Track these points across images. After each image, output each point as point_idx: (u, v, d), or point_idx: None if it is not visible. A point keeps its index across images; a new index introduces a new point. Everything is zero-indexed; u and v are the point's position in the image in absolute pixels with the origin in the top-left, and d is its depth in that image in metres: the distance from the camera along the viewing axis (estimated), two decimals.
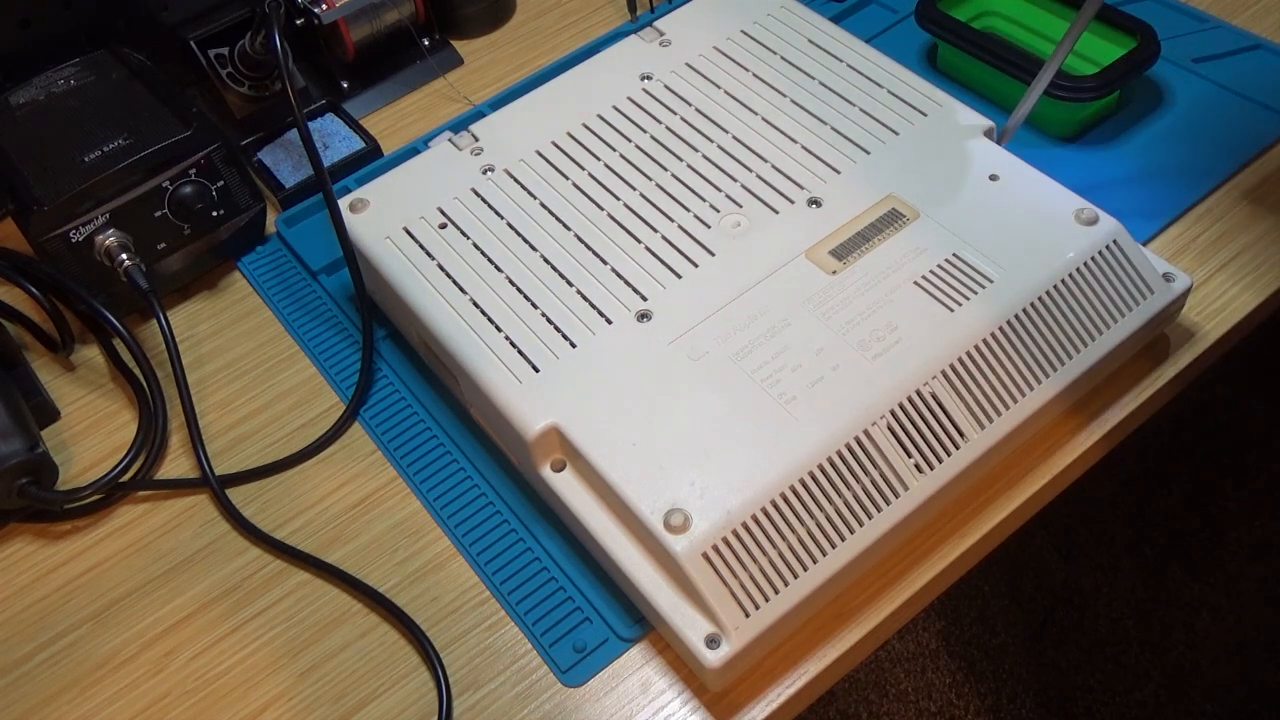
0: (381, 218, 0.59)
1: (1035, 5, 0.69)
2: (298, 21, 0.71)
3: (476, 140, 0.62)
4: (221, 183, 0.63)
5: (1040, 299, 0.52)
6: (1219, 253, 0.60)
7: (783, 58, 0.64)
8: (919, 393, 0.49)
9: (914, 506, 0.48)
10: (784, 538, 0.46)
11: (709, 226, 0.56)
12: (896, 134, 0.59)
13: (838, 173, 0.58)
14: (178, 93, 0.65)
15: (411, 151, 0.71)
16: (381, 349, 0.62)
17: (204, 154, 0.62)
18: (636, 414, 0.50)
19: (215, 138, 0.63)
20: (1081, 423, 0.54)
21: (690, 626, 0.46)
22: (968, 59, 0.67)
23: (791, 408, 0.49)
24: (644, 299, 0.54)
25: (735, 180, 0.58)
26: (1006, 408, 0.50)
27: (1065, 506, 1.29)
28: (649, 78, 0.64)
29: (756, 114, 0.61)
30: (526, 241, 0.57)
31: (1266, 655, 1.17)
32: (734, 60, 0.64)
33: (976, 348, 0.50)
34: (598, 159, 0.60)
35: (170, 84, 0.66)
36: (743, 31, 0.66)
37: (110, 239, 0.60)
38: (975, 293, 0.52)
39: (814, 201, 0.57)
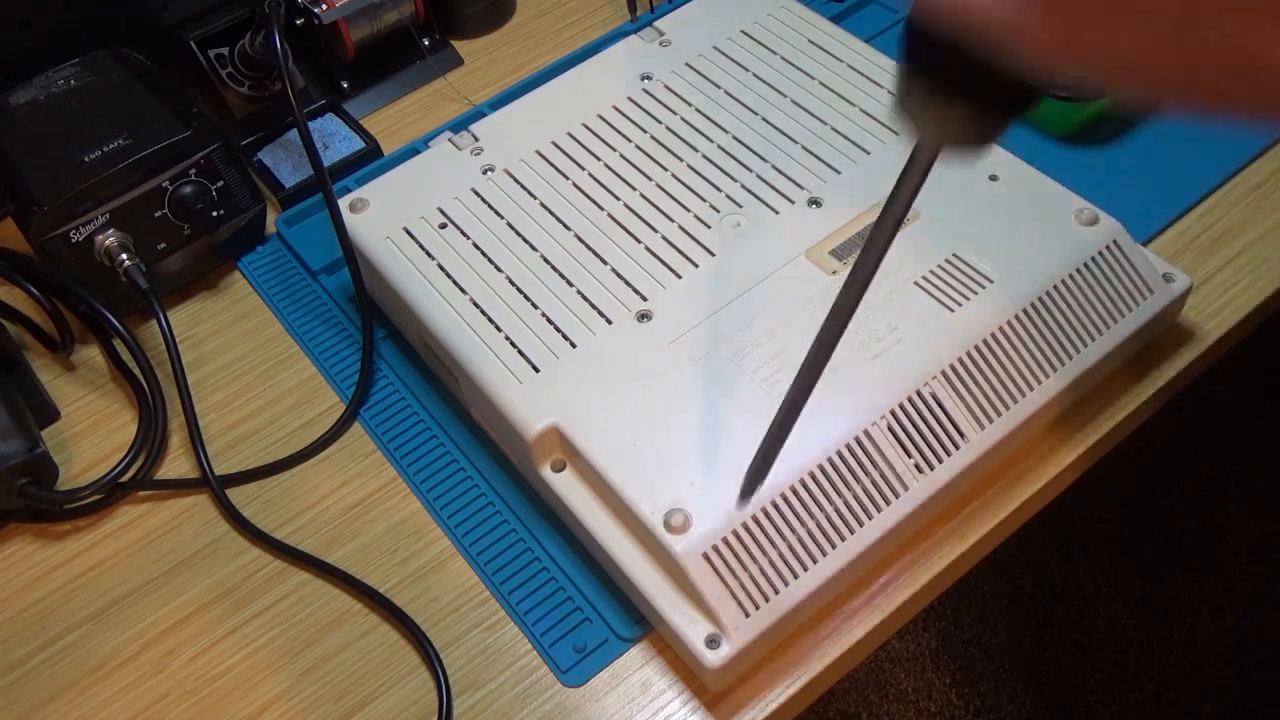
0: (381, 218, 0.59)
1: None
2: (298, 21, 0.71)
3: (476, 140, 0.62)
4: (221, 183, 0.63)
5: (1040, 299, 0.52)
6: (1219, 253, 0.60)
7: (783, 58, 0.64)
8: (919, 393, 0.49)
9: (914, 507, 0.48)
10: (784, 538, 0.46)
11: (709, 226, 0.56)
12: (897, 134, 0.59)
13: (838, 173, 0.58)
14: (178, 93, 0.65)
15: (411, 151, 0.71)
16: (381, 349, 0.61)
17: (204, 154, 0.62)
18: (637, 414, 0.49)
19: (215, 138, 0.62)
20: (1081, 423, 0.54)
21: (690, 627, 0.46)
22: None
23: None
24: (644, 299, 0.54)
25: (735, 180, 0.58)
26: (1006, 408, 0.50)
27: (1065, 506, 1.28)
28: (649, 78, 0.64)
29: (756, 114, 0.61)
30: (526, 241, 0.57)
31: (1266, 655, 1.17)
32: (734, 60, 0.64)
33: (976, 348, 0.50)
34: (598, 159, 0.60)
35: (170, 84, 0.66)
36: (743, 31, 0.66)
37: (110, 239, 0.60)
38: (975, 293, 0.52)
39: (814, 201, 0.57)
